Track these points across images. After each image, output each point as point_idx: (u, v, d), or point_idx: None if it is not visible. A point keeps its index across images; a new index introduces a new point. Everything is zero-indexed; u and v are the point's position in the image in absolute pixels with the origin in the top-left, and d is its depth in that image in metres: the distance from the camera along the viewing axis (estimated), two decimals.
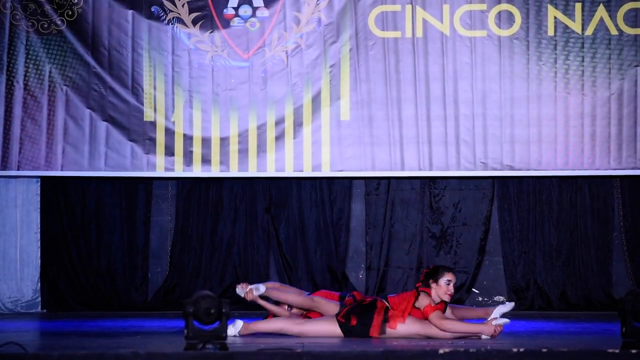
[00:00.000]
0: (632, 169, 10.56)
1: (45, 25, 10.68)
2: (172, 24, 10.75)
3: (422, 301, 7.90)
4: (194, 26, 10.75)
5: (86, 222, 11.42)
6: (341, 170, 10.70)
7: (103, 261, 11.38)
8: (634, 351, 6.22)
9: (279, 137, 10.68)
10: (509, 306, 8.41)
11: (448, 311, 8.10)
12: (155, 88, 10.72)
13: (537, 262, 11.27)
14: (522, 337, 8.20)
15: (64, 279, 11.33)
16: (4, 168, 10.66)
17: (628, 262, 11.20)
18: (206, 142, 10.69)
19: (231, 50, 10.75)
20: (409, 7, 10.66)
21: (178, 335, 7.81)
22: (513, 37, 10.63)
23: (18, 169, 10.68)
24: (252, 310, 9.97)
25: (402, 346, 7.33)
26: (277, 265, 11.44)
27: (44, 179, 11.17)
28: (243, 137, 10.71)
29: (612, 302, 10.98)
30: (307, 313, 8.49)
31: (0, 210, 11.11)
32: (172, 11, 10.75)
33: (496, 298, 11.41)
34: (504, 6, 10.62)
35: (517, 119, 10.59)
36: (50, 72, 10.70)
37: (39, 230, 11.21)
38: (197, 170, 10.72)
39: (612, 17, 10.56)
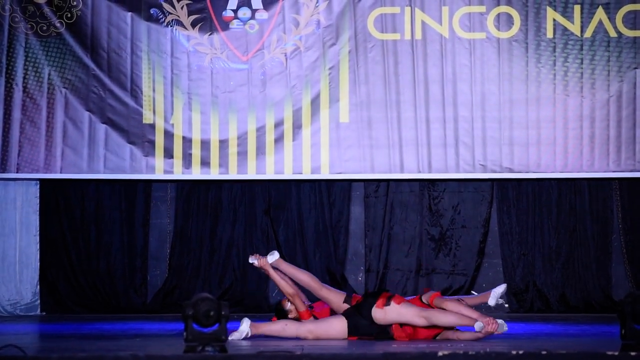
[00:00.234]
0: (631, 171, 10.56)
1: (44, 28, 10.68)
2: (171, 26, 10.75)
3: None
4: (193, 28, 10.74)
5: (85, 225, 11.40)
6: (340, 173, 10.70)
7: (102, 263, 11.37)
8: (633, 353, 6.21)
9: (278, 140, 10.68)
10: (502, 287, 8.76)
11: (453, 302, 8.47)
12: (154, 90, 10.71)
13: (536, 264, 11.26)
14: (521, 340, 8.21)
15: (63, 281, 11.31)
16: (3, 170, 10.65)
17: (627, 264, 11.20)
18: (205, 144, 10.69)
19: (230, 52, 10.75)
20: (408, 9, 10.66)
21: (177, 338, 7.79)
22: (512, 39, 10.63)
23: (17, 172, 10.67)
24: (252, 313, 9.96)
25: (401, 349, 7.33)
26: None
27: (43, 181, 11.15)
28: (242, 139, 10.71)
29: (611, 304, 10.96)
30: (313, 311, 8.53)
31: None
32: (171, 13, 10.75)
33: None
34: (503, 8, 10.62)
35: (516, 121, 10.59)
36: (49, 74, 10.69)
37: (38, 232, 11.20)
38: (196, 173, 10.72)
39: (611, 19, 10.56)
